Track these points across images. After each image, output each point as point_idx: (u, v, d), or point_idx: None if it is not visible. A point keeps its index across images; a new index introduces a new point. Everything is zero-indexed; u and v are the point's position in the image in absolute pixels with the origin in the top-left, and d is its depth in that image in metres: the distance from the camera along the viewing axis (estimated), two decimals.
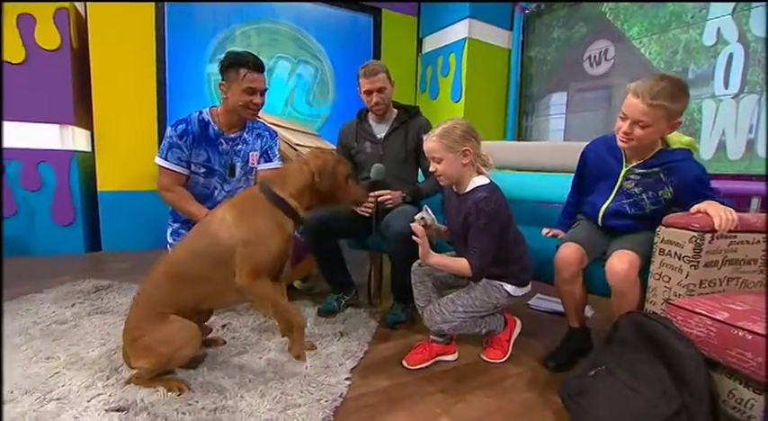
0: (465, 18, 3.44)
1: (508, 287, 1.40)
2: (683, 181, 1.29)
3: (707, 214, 1.13)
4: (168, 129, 1.70)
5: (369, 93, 1.83)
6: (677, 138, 1.35)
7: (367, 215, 1.76)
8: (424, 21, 3.96)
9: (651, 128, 1.23)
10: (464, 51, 3.47)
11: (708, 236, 1.11)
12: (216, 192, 1.77)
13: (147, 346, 1.16)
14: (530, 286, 1.46)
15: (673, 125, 1.25)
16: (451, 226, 1.47)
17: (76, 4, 2.87)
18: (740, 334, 0.92)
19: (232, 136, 1.75)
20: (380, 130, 1.92)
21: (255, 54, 1.70)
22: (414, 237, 1.34)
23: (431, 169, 1.39)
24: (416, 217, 1.40)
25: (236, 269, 1.25)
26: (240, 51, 1.71)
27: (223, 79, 1.68)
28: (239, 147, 1.75)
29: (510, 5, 3.63)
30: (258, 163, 1.81)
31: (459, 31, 3.52)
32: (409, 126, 1.89)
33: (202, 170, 1.73)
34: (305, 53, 3.61)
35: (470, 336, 1.53)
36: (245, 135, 1.78)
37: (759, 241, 1.14)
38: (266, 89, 1.74)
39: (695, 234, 1.11)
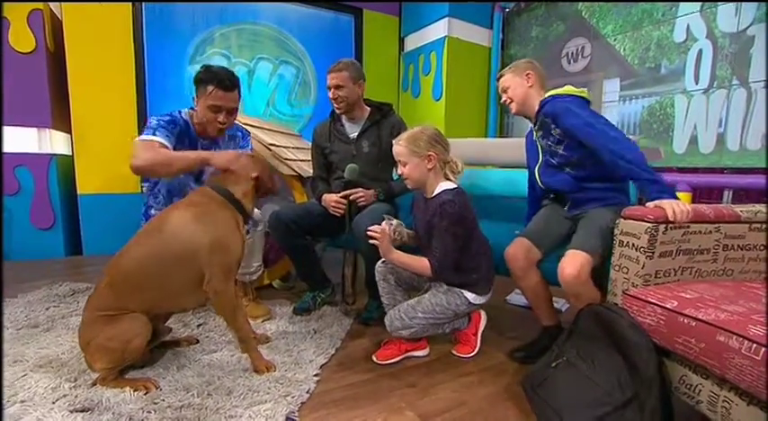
0: (444, 17, 3.47)
1: (469, 295, 1.44)
2: (554, 112, 1.42)
3: (662, 208, 1.16)
4: (152, 118, 1.59)
5: (329, 88, 1.85)
6: (538, 94, 1.51)
7: (339, 214, 1.77)
8: (406, 20, 3.98)
9: (510, 88, 1.52)
10: (444, 49, 3.50)
11: (662, 227, 1.13)
12: (188, 190, 1.76)
13: (99, 346, 1.17)
14: (490, 294, 1.50)
15: (527, 76, 1.50)
16: (419, 229, 1.50)
17: (51, 6, 2.85)
18: (686, 321, 0.94)
19: (206, 142, 1.73)
20: (353, 130, 1.93)
21: (232, 71, 1.62)
22: (372, 240, 1.40)
23: (398, 172, 1.44)
24: (383, 224, 1.44)
25: (208, 274, 1.25)
26: (216, 67, 1.62)
27: (195, 91, 1.64)
28: (212, 149, 1.75)
29: (490, 4, 3.66)
30: None
31: (438, 29, 3.55)
32: (382, 125, 1.91)
33: None
34: (286, 54, 3.62)
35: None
36: (218, 139, 1.77)
37: (711, 231, 1.17)
38: (235, 108, 1.66)
39: (650, 225, 1.14)
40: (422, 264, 1.38)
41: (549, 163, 1.52)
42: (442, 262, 1.36)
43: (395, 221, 1.48)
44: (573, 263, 1.26)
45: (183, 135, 1.66)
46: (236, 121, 1.96)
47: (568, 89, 1.46)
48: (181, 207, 1.30)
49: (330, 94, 1.86)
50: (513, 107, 1.54)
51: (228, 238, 1.29)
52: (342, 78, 1.82)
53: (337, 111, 1.92)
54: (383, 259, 1.52)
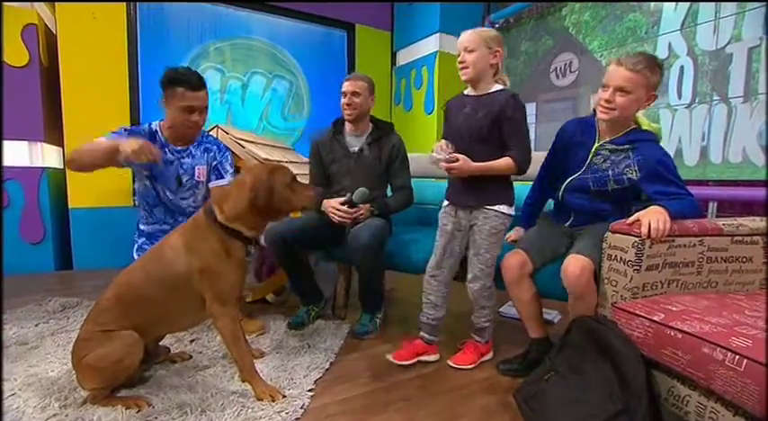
0: (436, 32, 3.54)
1: (503, 208, 1.47)
2: (647, 161, 1.34)
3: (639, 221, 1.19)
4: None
5: (344, 94, 1.86)
6: (646, 122, 1.42)
7: (341, 221, 1.76)
8: (398, 35, 4.05)
9: (632, 95, 1.30)
10: (436, 64, 3.56)
11: (648, 241, 1.17)
12: (162, 197, 1.76)
13: (89, 366, 1.16)
14: (514, 206, 1.52)
15: (650, 96, 1.34)
16: (460, 131, 1.46)
17: (46, 21, 2.87)
18: (672, 333, 0.97)
19: (178, 148, 1.75)
20: (354, 143, 1.93)
21: (195, 71, 1.69)
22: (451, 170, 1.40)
23: (459, 59, 1.43)
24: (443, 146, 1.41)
25: (207, 299, 1.25)
26: (179, 68, 1.68)
27: (162, 96, 1.67)
28: (185, 159, 1.76)
29: (479, 20, 3.74)
30: (208, 179, 1.81)
31: (430, 44, 3.62)
32: (383, 143, 1.93)
33: (146, 173, 1.72)
34: (279, 68, 3.66)
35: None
36: (191, 148, 1.77)
37: (695, 245, 1.20)
38: (206, 106, 1.72)
39: (636, 239, 1.17)
40: (504, 163, 1.40)
41: (585, 184, 1.45)
42: (523, 153, 1.40)
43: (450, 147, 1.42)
44: (576, 264, 1.28)
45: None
46: (214, 135, 1.97)
47: (657, 129, 1.41)
48: (175, 234, 1.30)
49: (345, 100, 1.86)
50: (615, 114, 1.34)
51: (216, 266, 1.24)
52: (359, 86, 1.85)
53: (347, 118, 1.91)
54: (430, 273, 1.56)
